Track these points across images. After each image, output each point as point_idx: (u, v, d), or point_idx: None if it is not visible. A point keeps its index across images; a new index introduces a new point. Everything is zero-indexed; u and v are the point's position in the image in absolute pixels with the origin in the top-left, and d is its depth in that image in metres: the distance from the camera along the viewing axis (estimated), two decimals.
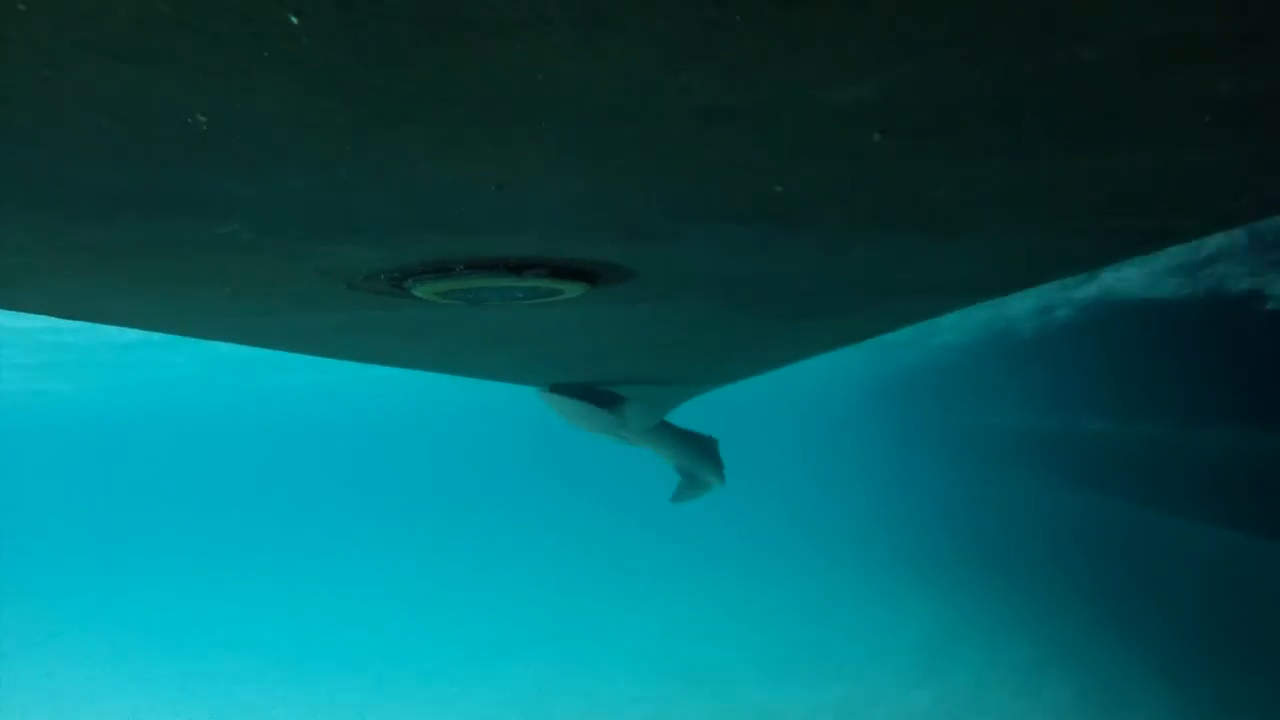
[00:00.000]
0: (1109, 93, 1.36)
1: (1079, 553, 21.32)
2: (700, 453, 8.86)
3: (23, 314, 2.83)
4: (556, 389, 6.73)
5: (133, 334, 19.94)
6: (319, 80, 1.20)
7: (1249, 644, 14.00)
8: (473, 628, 20.26)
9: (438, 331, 3.64)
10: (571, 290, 2.68)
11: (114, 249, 2.14)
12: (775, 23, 1.07)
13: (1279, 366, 11.17)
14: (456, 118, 1.35)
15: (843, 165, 1.69)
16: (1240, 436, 12.28)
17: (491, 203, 1.83)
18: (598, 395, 7.24)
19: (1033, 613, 18.06)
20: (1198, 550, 17.82)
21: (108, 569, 34.23)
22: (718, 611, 20.85)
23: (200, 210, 1.81)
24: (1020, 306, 17.10)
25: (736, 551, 29.87)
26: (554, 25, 1.05)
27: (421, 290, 2.60)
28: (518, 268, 2.46)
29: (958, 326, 20.28)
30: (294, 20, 1.02)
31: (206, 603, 25.80)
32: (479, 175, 1.64)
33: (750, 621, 19.78)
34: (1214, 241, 11.40)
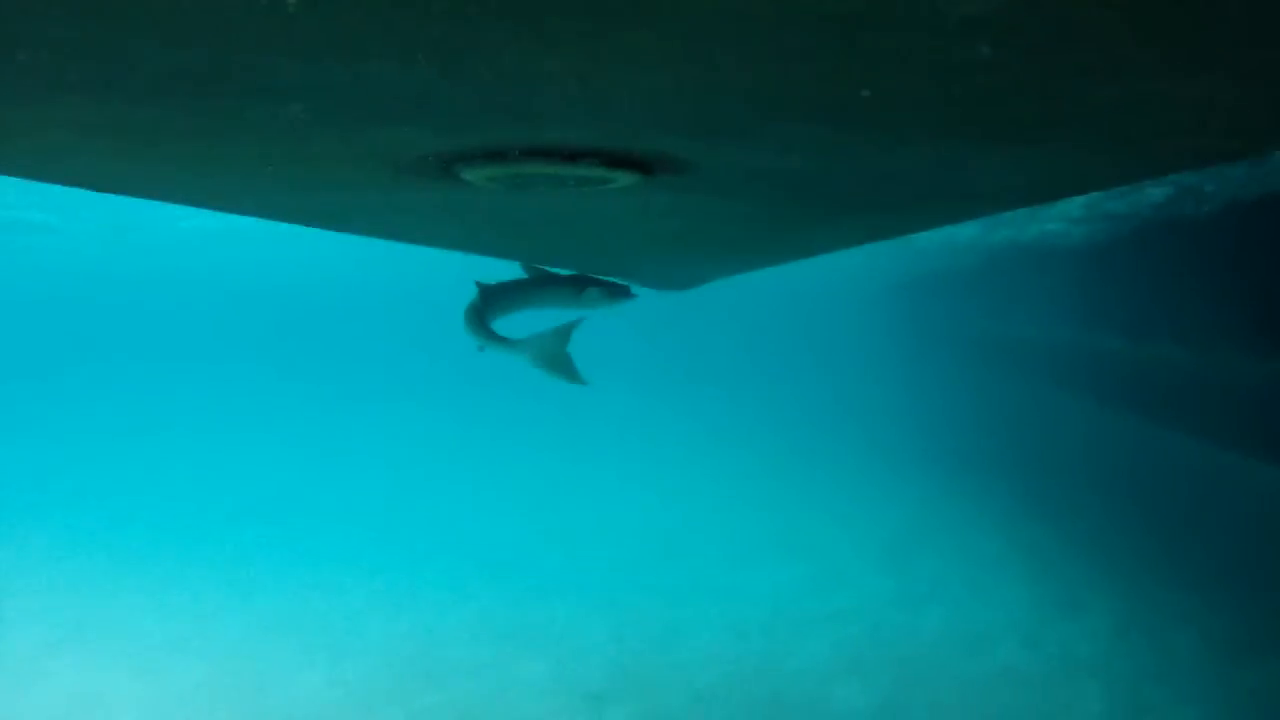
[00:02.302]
0: (1235, 12, 1.29)
1: (1064, 460, 21.69)
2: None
3: None
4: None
5: None
6: None
7: (1215, 562, 14.38)
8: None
9: (473, 212, 3.58)
10: (624, 180, 2.61)
11: (163, 126, 2.07)
12: None
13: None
14: (561, 8, 1.28)
15: (939, 76, 1.62)
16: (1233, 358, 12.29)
17: (568, 94, 1.76)
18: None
19: (1006, 514, 18.51)
20: (1186, 465, 18.13)
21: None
22: (699, 500, 21.22)
23: (263, 91, 1.75)
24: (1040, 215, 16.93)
25: (732, 442, 30.19)
26: None
27: (471, 174, 2.54)
28: (574, 156, 2.40)
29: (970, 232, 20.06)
30: None
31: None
32: (565, 68, 1.57)
33: (730, 509, 20.13)
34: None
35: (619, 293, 7.41)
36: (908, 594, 14.41)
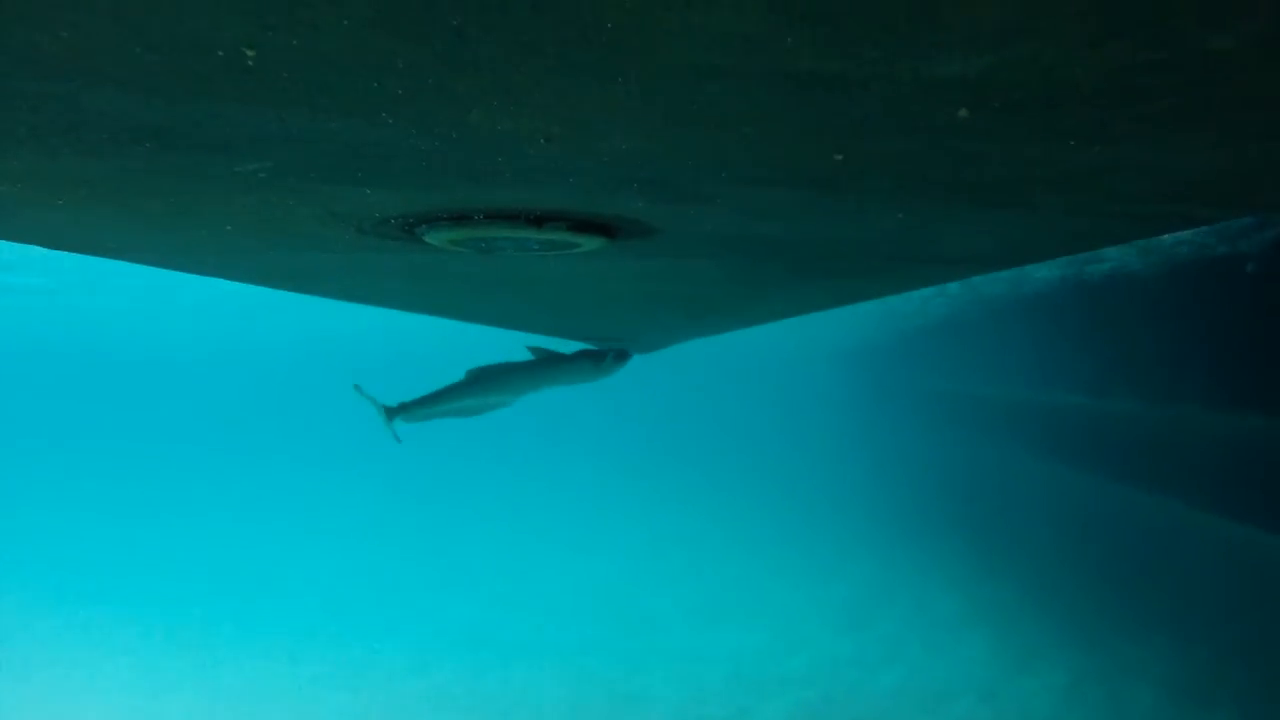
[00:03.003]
0: (1230, 80, 1.28)
1: (1022, 517, 21.76)
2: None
3: None
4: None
5: None
6: (392, 18, 1.08)
7: (1172, 615, 14.44)
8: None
9: (437, 277, 3.53)
10: (589, 244, 2.57)
11: (117, 183, 2.01)
12: None
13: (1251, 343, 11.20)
14: (531, 66, 1.24)
15: (915, 138, 1.60)
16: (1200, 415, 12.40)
17: (533, 155, 1.72)
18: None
19: (965, 572, 18.52)
20: (1142, 521, 18.23)
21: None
22: (658, 563, 21.05)
23: (222, 147, 1.69)
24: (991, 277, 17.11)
25: (691, 505, 30.05)
26: None
27: (434, 237, 2.49)
28: (539, 220, 2.35)
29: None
30: None
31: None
32: (531, 127, 1.53)
33: (689, 573, 20.00)
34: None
35: (619, 358, 7.43)
36: (866, 654, 14.36)
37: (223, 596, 18.58)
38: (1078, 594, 16.23)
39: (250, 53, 1.21)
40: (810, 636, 15.31)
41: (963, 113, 1.44)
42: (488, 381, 7.72)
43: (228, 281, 3.96)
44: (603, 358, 7.39)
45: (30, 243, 2.86)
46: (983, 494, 25.28)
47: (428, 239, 2.52)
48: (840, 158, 1.73)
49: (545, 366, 7.55)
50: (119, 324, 33.08)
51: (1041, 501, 22.22)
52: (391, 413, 8.00)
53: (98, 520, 28.64)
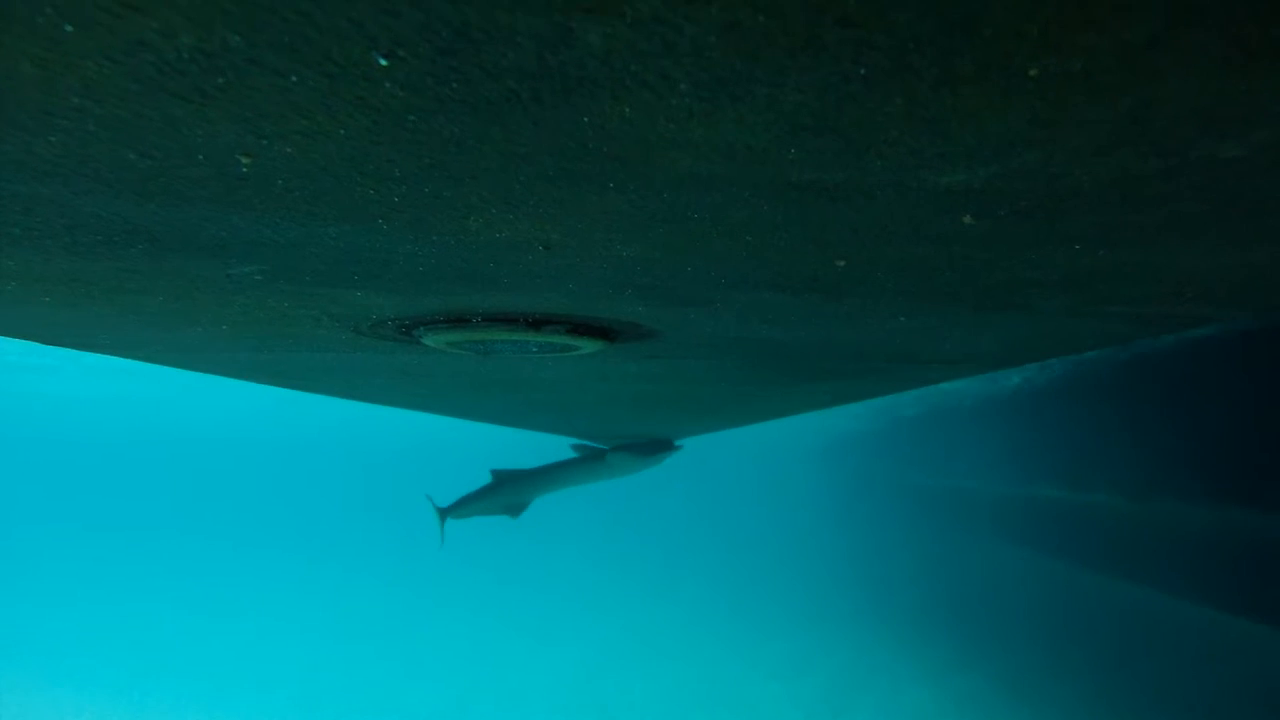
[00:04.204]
0: (1238, 186, 1.26)
1: (998, 608, 21.57)
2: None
3: None
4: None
5: None
6: (388, 128, 1.07)
7: (1149, 706, 14.23)
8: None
9: (435, 376, 3.50)
10: (588, 347, 2.55)
11: (111, 283, 1.98)
12: (919, 103, 0.95)
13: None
14: (530, 175, 1.22)
15: (918, 245, 1.58)
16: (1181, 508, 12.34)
17: (532, 262, 1.70)
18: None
19: (939, 663, 18.31)
20: (1121, 610, 18.03)
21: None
22: (630, 652, 20.78)
23: (215, 251, 1.67)
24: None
25: (667, 597, 29.73)
26: (675, 88, 0.92)
27: (432, 340, 2.46)
28: (538, 323, 2.33)
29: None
30: (382, 63, 0.89)
31: None
32: (530, 235, 1.51)
33: (664, 666, 19.72)
34: None
35: (661, 448, 7.39)
36: None
37: (189, 684, 18.29)
38: (1052, 685, 16.05)
39: (245, 160, 1.19)
40: None
41: (967, 220, 1.42)
42: (538, 481, 7.75)
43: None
44: (646, 449, 7.34)
45: (25, 338, 2.83)
46: (960, 585, 25.12)
47: (425, 341, 2.49)
48: (842, 264, 1.71)
49: (590, 463, 7.53)
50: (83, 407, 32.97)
51: (1019, 593, 22.04)
52: (444, 514, 8.08)
53: (51, 603, 28.28)
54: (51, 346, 2.93)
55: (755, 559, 39.88)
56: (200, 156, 1.19)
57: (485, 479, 8.11)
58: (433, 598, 30.04)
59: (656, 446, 7.39)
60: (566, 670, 19.47)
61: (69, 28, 0.84)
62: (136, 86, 0.96)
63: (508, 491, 7.90)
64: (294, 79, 0.94)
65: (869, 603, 25.88)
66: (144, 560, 41.55)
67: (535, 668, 19.79)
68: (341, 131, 1.08)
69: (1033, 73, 0.90)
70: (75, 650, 21.33)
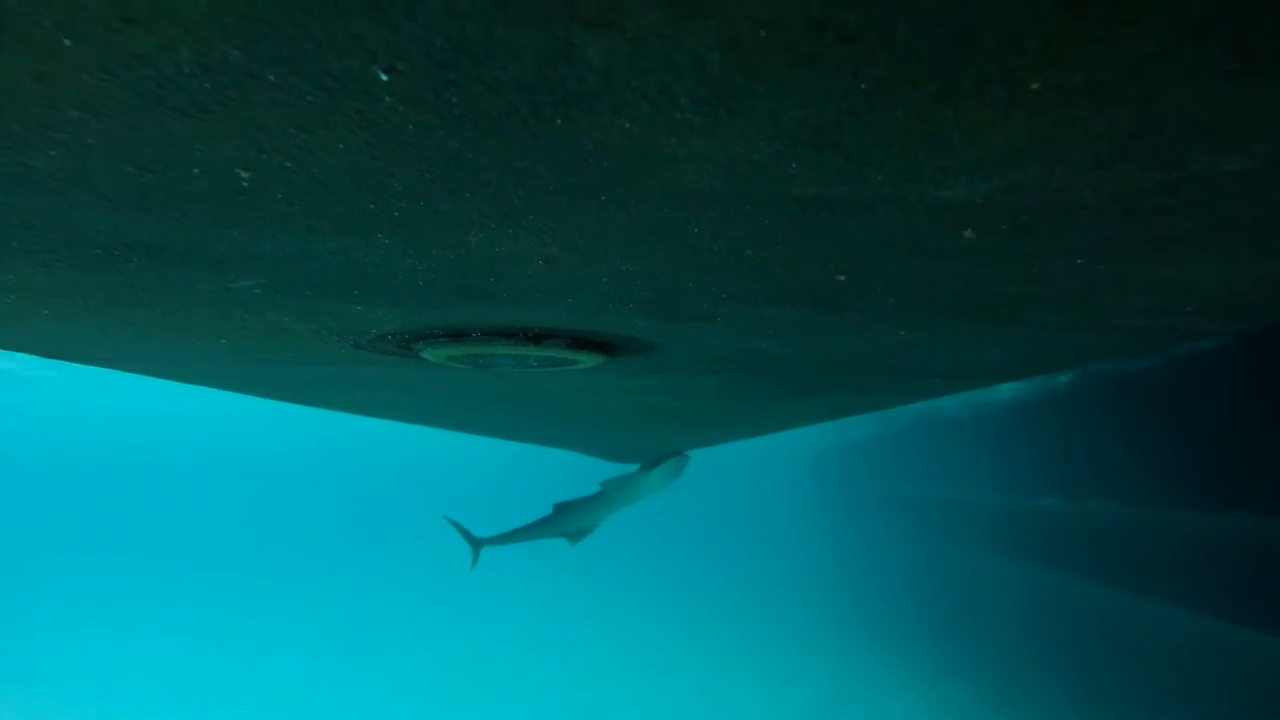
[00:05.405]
0: (1240, 199, 1.26)
1: (986, 617, 21.57)
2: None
3: None
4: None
5: None
6: (388, 142, 1.06)
7: (1142, 715, 14.23)
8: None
9: (435, 390, 3.49)
10: (588, 361, 2.54)
11: (110, 296, 1.98)
12: (921, 118, 0.95)
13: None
14: (530, 189, 1.21)
15: (919, 259, 1.57)
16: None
17: (532, 276, 1.69)
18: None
19: (926, 673, 18.30)
20: (1110, 618, 18.01)
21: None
22: (617, 664, 20.75)
23: (214, 265, 1.67)
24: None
25: (653, 609, 29.69)
26: (675, 103, 0.92)
27: (431, 353, 2.46)
28: (537, 337, 2.33)
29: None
30: (383, 77, 0.89)
31: None
32: (530, 249, 1.51)
33: (651, 677, 19.69)
34: None
35: (680, 463, 7.37)
36: None
37: (178, 707, 18.23)
38: (1041, 693, 16.05)
39: (245, 174, 1.19)
40: None
41: (969, 234, 1.41)
42: (574, 512, 7.74)
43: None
44: (665, 463, 7.31)
45: (23, 351, 2.83)
46: (948, 594, 25.12)
47: (425, 355, 2.49)
48: (843, 278, 1.71)
49: (621, 489, 7.51)
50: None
51: (1007, 602, 22.03)
52: (478, 544, 8.12)
53: (41, 622, 28.16)
54: (47, 359, 2.92)
55: (744, 569, 39.82)
56: (199, 170, 1.18)
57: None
58: (423, 613, 29.96)
59: (677, 458, 7.39)
60: (555, 682, 19.44)
61: (67, 41, 0.84)
62: (135, 100, 0.95)
63: (567, 520, 7.87)
64: (293, 93, 0.93)
65: (857, 611, 25.89)
66: (129, 578, 41.36)
67: (523, 679, 19.76)
68: (341, 145, 1.08)
69: (1034, 86, 0.89)
70: (62, 670, 21.24)
